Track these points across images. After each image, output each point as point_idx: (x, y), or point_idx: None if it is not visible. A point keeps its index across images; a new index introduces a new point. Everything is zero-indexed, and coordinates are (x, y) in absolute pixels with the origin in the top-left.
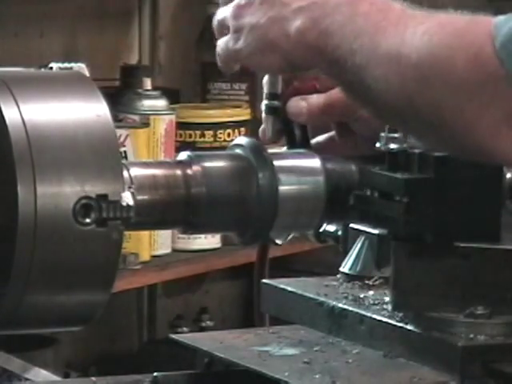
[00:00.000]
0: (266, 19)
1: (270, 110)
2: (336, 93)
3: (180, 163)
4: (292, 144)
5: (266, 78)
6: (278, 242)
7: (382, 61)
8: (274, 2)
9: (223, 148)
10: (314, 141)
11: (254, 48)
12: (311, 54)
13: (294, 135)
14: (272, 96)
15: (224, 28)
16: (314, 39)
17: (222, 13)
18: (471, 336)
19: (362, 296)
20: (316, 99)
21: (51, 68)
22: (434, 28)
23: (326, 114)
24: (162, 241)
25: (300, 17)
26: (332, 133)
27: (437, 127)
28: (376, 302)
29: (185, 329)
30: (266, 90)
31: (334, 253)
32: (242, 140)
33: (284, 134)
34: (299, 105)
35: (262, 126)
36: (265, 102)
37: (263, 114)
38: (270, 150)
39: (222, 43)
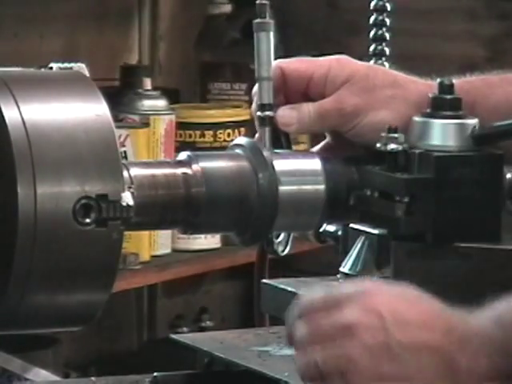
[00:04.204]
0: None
1: (264, 120)
2: (328, 102)
3: (180, 163)
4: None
5: (256, 88)
6: (280, 252)
7: None
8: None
9: (223, 148)
10: (313, 149)
11: None
12: None
13: (280, 140)
14: (265, 107)
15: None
16: None
17: (301, 331)
18: None
19: None
20: (307, 109)
21: (51, 68)
22: None
23: (317, 124)
24: (162, 241)
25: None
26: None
27: None
28: None
29: (185, 329)
30: (258, 100)
31: (334, 253)
32: (242, 140)
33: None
34: (289, 114)
35: (257, 134)
36: (259, 113)
37: (257, 126)
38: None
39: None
